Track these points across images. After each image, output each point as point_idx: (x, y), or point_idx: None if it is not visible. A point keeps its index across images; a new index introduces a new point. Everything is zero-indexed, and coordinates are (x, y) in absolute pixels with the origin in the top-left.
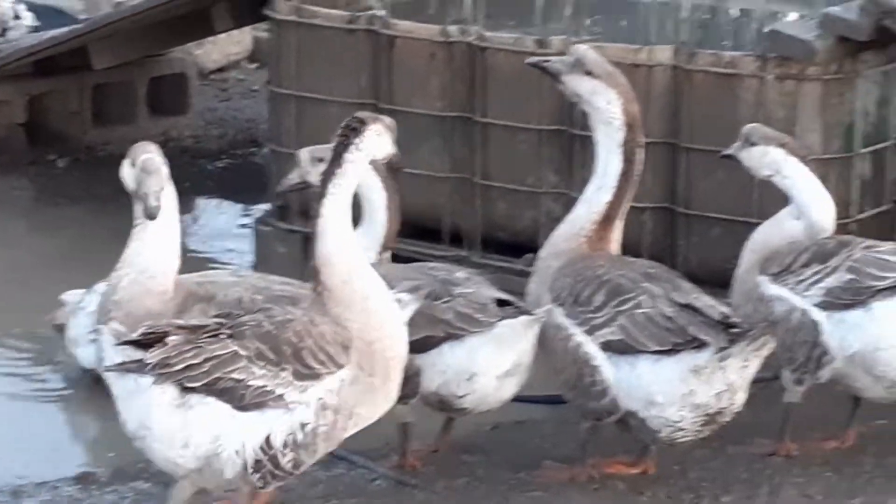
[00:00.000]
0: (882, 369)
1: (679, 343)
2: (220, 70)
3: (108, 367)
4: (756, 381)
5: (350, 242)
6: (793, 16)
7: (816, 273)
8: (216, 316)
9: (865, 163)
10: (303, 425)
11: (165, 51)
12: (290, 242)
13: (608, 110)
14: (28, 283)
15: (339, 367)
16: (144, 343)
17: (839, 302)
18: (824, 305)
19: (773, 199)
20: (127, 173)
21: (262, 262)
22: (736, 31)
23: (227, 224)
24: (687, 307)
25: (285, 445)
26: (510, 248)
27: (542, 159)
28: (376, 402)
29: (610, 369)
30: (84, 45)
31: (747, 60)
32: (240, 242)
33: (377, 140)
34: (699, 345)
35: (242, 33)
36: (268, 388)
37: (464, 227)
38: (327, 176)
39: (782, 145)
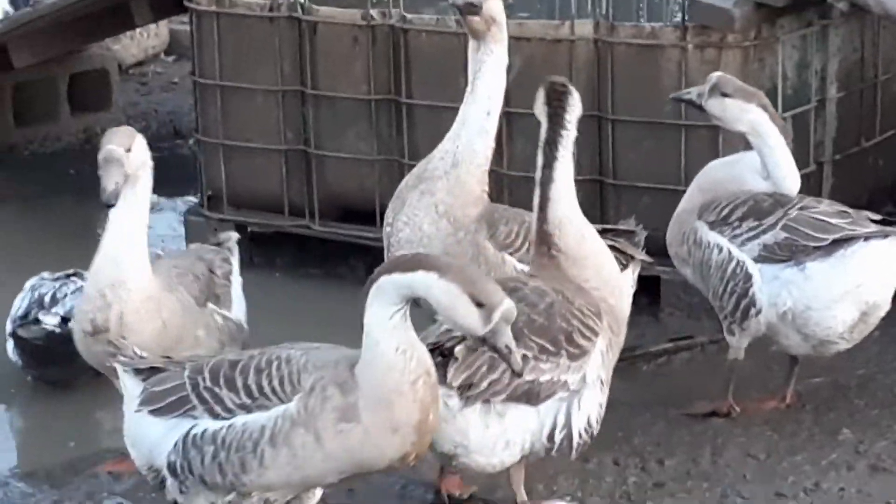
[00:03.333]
0: (812, 329)
1: None
2: (139, 64)
3: None
4: (693, 346)
5: (576, 202)
6: None
7: (752, 229)
8: None
9: (788, 126)
10: (601, 405)
11: (85, 47)
12: (221, 231)
13: (503, 25)
14: None
15: (597, 335)
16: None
17: (774, 258)
18: (759, 260)
19: (699, 165)
20: None
21: None
22: (655, 3)
23: (158, 217)
24: None
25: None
26: None
27: None
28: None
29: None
30: (3, 45)
31: (668, 31)
32: (171, 234)
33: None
34: None
35: (159, 26)
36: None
37: None
38: (552, 142)
39: (763, 106)
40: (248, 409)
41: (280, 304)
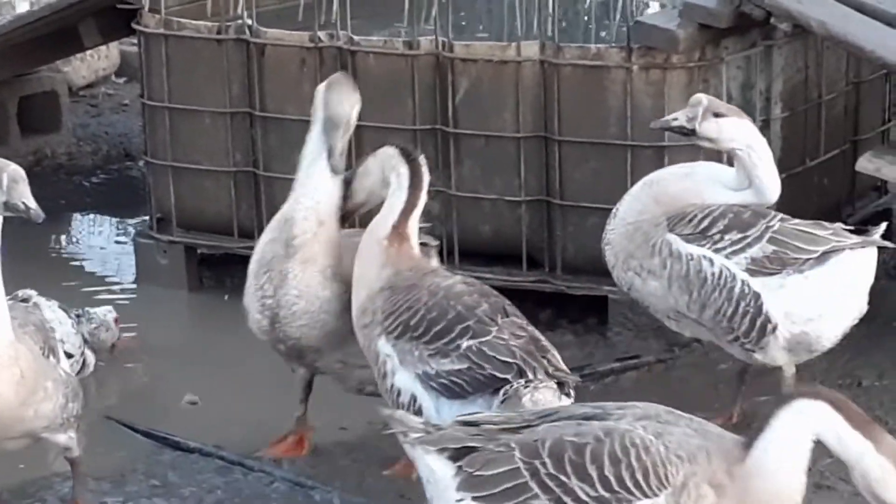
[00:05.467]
0: (824, 342)
1: None
2: (90, 86)
3: None
4: (641, 366)
5: None
6: (654, 6)
7: (735, 242)
8: None
9: None
10: None
11: (34, 69)
12: (171, 254)
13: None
14: None
15: None
16: None
17: (763, 271)
18: (752, 273)
19: None
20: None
21: (144, 275)
22: (599, 24)
23: (107, 239)
24: None
25: None
26: None
27: None
28: None
29: None
30: None
31: (613, 52)
32: (121, 256)
33: None
34: None
35: (110, 48)
36: None
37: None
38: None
39: (751, 120)
40: (604, 503)
41: (229, 326)
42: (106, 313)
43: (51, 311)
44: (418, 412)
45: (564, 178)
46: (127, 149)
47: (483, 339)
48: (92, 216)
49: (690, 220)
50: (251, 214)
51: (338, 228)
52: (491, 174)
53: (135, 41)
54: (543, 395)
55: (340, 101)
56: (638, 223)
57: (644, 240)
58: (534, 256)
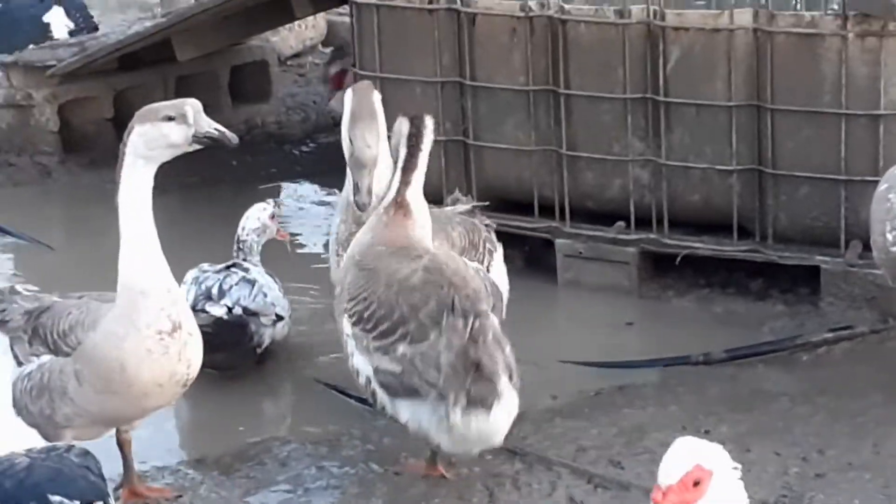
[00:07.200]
0: None
1: None
2: (297, 56)
3: None
4: (854, 336)
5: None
6: None
7: None
8: None
9: None
10: None
11: (245, 39)
12: None
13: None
14: None
15: None
16: None
17: None
18: None
19: (859, 154)
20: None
21: None
22: None
23: (318, 208)
24: None
25: None
26: (600, 217)
27: (628, 127)
28: None
29: None
30: (167, 39)
31: (828, 20)
32: (330, 223)
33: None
34: None
35: (317, 18)
36: None
37: (552, 199)
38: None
39: None
40: None
41: None
42: (261, 212)
43: (261, 276)
44: (373, 394)
45: (777, 147)
46: (335, 118)
47: (418, 347)
48: (303, 185)
49: None
50: (461, 182)
51: None
52: (702, 143)
53: (341, 11)
54: (476, 421)
55: (367, 146)
56: None
57: None
58: (744, 226)
